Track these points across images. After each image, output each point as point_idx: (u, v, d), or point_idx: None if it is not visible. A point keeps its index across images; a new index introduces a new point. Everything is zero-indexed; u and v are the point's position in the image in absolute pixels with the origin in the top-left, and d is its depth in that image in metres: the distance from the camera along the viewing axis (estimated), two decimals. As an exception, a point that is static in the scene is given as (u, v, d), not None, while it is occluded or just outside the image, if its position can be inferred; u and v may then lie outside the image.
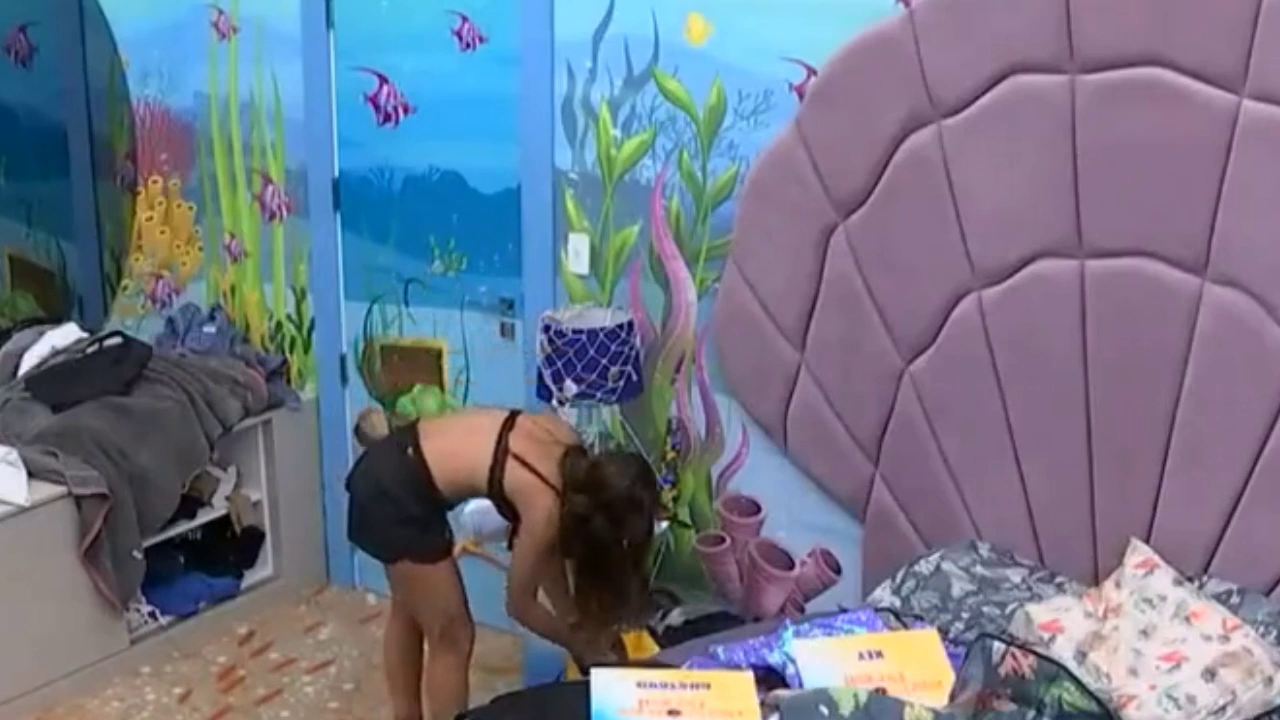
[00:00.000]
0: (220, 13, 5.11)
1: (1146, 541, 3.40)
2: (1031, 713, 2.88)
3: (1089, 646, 3.10)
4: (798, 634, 3.29)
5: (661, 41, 4.18)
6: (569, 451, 3.85)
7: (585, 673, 3.99)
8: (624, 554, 3.82)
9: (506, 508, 3.92)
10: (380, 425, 4.95)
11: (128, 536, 4.66)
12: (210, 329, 5.35)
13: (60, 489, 4.50)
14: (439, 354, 4.93)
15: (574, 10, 4.29)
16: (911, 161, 3.69)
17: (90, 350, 5.00)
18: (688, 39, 4.13)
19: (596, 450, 4.16)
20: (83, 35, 5.48)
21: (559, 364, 4.12)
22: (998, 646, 2.94)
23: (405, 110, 4.78)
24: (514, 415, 3.94)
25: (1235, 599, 3.25)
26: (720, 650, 3.31)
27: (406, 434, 3.96)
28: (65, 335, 5.13)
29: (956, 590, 3.55)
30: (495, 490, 3.84)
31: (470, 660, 4.07)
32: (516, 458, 3.80)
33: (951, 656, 3.15)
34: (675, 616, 4.33)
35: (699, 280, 4.28)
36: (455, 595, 3.99)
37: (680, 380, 4.40)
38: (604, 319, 4.23)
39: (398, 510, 3.86)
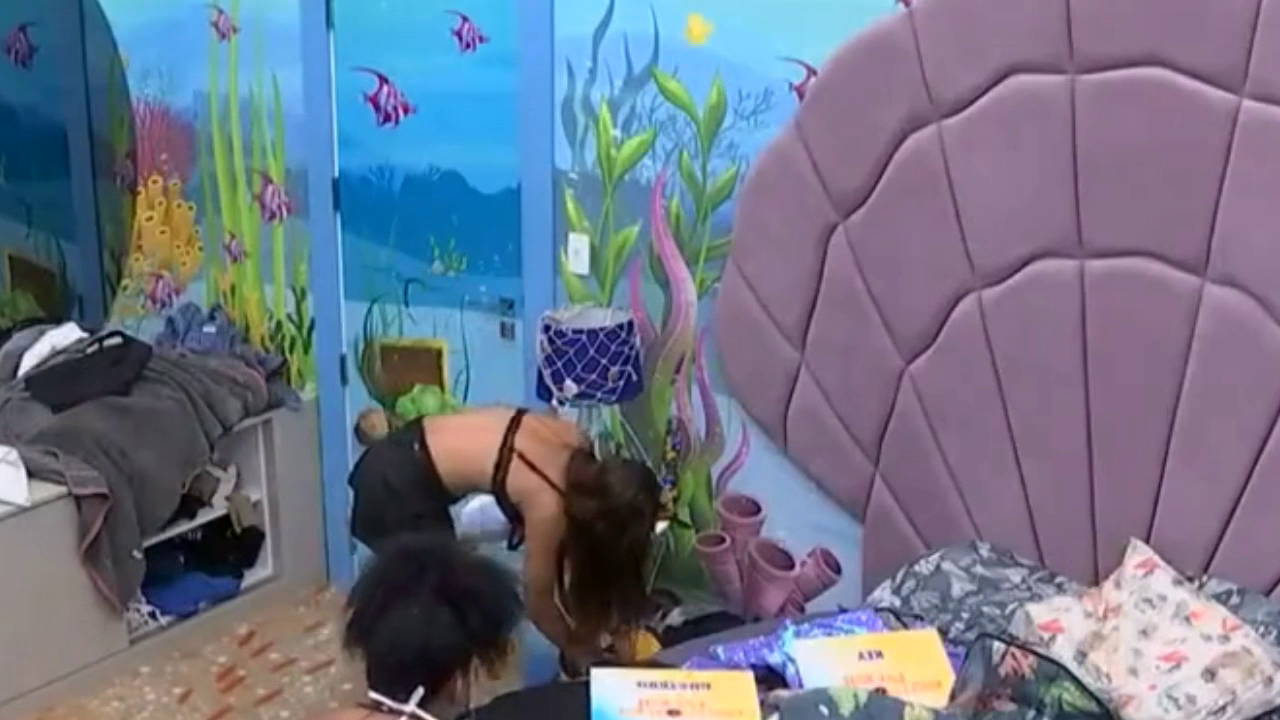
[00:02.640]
0: (220, 12, 5.11)
1: (1146, 541, 3.40)
2: (1031, 713, 2.88)
3: (1089, 646, 3.10)
4: (798, 634, 3.29)
5: (661, 41, 4.18)
6: (575, 454, 3.86)
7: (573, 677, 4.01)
8: (623, 560, 3.82)
9: (509, 507, 3.92)
10: (380, 425, 4.97)
11: (128, 536, 4.66)
12: (210, 329, 5.35)
13: (60, 489, 4.50)
14: (439, 354, 4.93)
15: (574, 10, 4.29)
16: (911, 161, 3.69)
17: (90, 350, 5.00)
18: (688, 38, 4.13)
19: (601, 452, 4.15)
20: (83, 35, 5.48)
21: (559, 364, 4.12)
22: (998, 646, 2.94)
23: (405, 110, 4.78)
24: (521, 414, 3.95)
25: (1235, 599, 3.24)
26: (720, 650, 3.32)
27: (413, 431, 3.99)
28: (65, 335, 5.13)
29: (956, 590, 3.55)
30: (499, 489, 3.85)
31: None
32: (521, 457, 3.82)
33: (951, 656, 3.15)
34: (675, 616, 4.33)
35: (699, 280, 4.28)
36: None
37: (680, 380, 4.40)
38: (604, 319, 4.23)
39: (403, 507, 3.87)
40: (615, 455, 4.00)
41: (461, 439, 3.93)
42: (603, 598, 3.86)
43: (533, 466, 3.81)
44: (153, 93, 5.37)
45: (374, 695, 2.61)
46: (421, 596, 2.62)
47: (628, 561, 3.84)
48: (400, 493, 3.87)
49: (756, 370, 4.17)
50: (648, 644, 4.13)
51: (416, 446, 3.88)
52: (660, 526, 4.31)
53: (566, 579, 3.98)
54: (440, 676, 2.65)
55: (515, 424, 3.90)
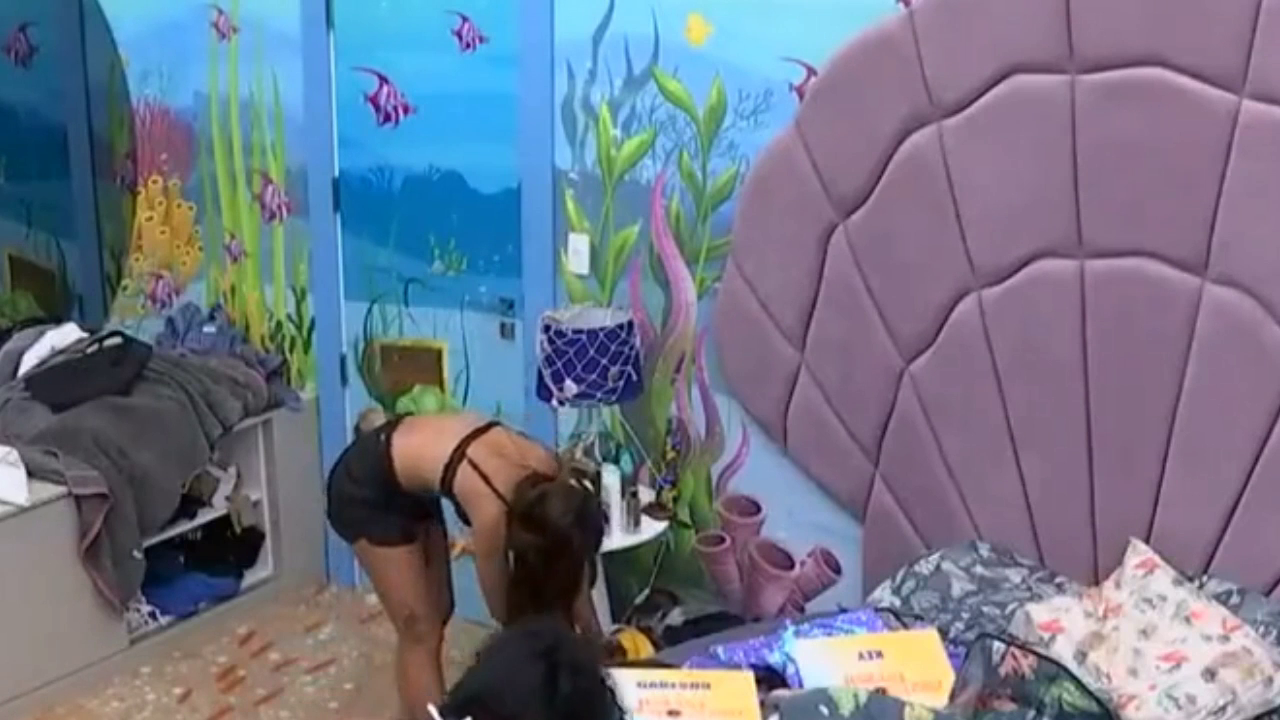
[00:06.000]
0: (220, 13, 5.11)
1: (1146, 541, 3.40)
2: (1031, 713, 2.88)
3: (1089, 646, 3.11)
4: (798, 634, 3.29)
5: (661, 41, 4.18)
6: (530, 476, 3.79)
7: None
8: (554, 592, 3.77)
9: (457, 511, 3.91)
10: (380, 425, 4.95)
11: (128, 536, 4.66)
12: (210, 329, 5.35)
13: (60, 489, 4.49)
14: (439, 354, 4.93)
15: (574, 10, 4.29)
16: (911, 161, 3.69)
17: (90, 350, 5.00)
18: (688, 39, 4.13)
19: (559, 476, 4.02)
20: (83, 35, 5.49)
21: (559, 364, 4.13)
22: (998, 646, 2.95)
23: (405, 110, 4.78)
24: (490, 426, 3.91)
25: (1235, 599, 3.25)
26: (720, 650, 3.32)
27: (386, 426, 4.00)
28: (65, 335, 5.13)
29: (956, 590, 3.55)
30: (446, 490, 3.83)
31: (440, 656, 4.05)
32: (471, 463, 3.78)
33: (951, 656, 3.15)
34: (675, 616, 4.33)
35: (699, 280, 4.28)
36: (413, 587, 3.96)
37: (680, 380, 4.40)
38: (604, 319, 4.23)
39: (357, 489, 3.90)
40: (563, 483, 3.91)
41: (422, 438, 3.90)
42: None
43: (480, 473, 3.77)
44: (153, 93, 5.36)
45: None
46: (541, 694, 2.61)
47: (559, 594, 3.79)
48: (356, 477, 3.91)
49: (756, 370, 4.17)
50: (639, 644, 4.13)
51: (382, 439, 3.90)
52: (660, 527, 4.31)
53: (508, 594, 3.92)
54: None
55: (478, 433, 3.86)
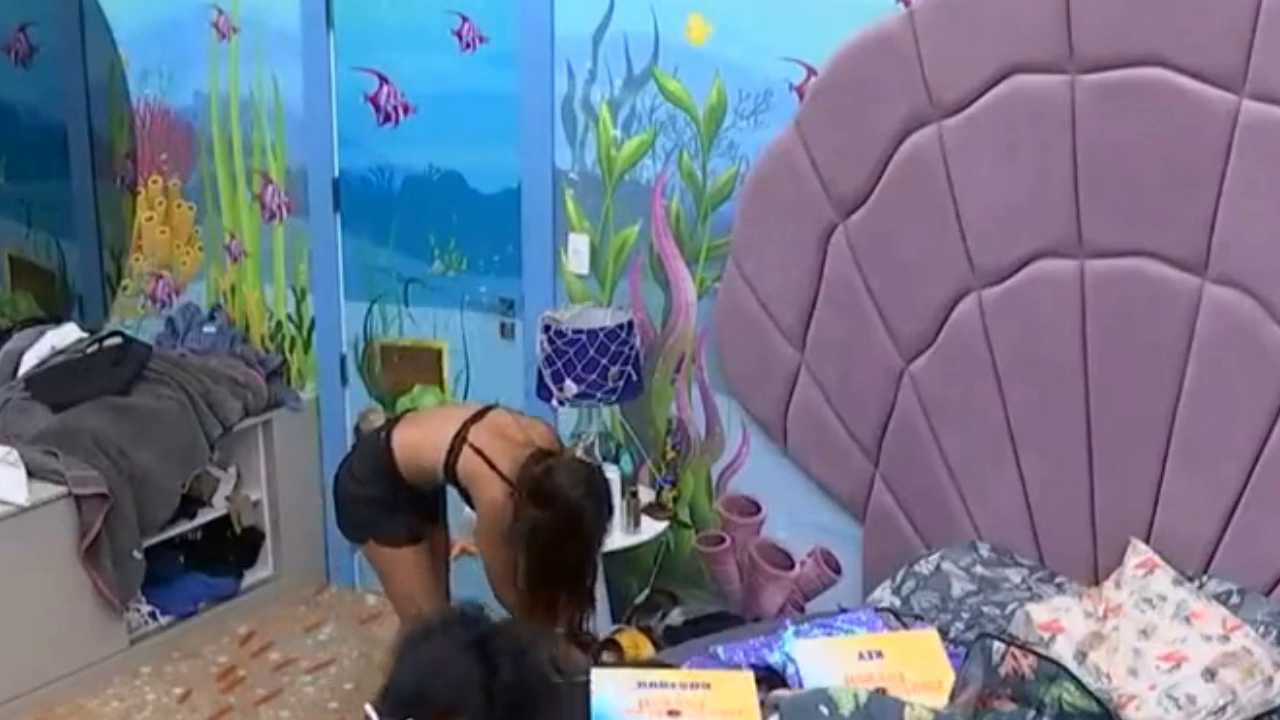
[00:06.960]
0: (220, 13, 5.11)
1: (1146, 541, 3.40)
2: (1031, 713, 2.88)
3: (1089, 646, 3.11)
4: (798, 634, 3.29)
5: (661, 41, 4.18)
6: (534, 453, 3.79)
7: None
8: (566, 566, 3.76)
9: (463, 496, 3.92)
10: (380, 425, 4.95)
11: (128, 536, 4.66)
12: (210, 329, 5.35)
13: (60, 489, 4.49)
14: (439, 354, 4.93)
15: (574, 10, 4.29)
16: (911, 161, 3.69)
17: (90, 350, 5.00)
18: (688, 39, 4.13)
19: (563, 452, 4.02)
20: (83, 35, 5.48)
21: (559, 364, 4.13)
22: (998, 646, 2.94)
23: (405, 110, 4.79)
24: (486, 409, 3.92)
25: (1235, 599, 3.25)
26: (720, 650, 3.32)
27: (385, 424, 4.01)
28: (65, 335, 5.13)
29: (956, 590, 3.55)
30: (450, 477, 3.83)
31: None
32: (472, 447, 3.78)
33: (951, 656, 3.15)
34: (675, 616, 4.33)
35: (699, 280, 4.28)
36: (421, 587, 3.96)
37: (680, 380, 4.40)
38: (604, 319, 4.23)
39: (361, 489, 3.92)
40: (570, 457, 3.91)
41: (422, 430, 3.92)
42: (549, 598, 3.82)
43: (484, 457, 3.77)
44: (153, 93, 5.36)
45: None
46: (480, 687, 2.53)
47: (571, 567, 3.78)
48: (360, 477, 3.93)
49: (756, 370, 4.17)
50: (639, 643, 4.12)
51: (382, 435, 3.91)
52: (660, 527, 4.32)
53: (519, 574, 3.92)
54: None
55: (477, 417, 3.87)
